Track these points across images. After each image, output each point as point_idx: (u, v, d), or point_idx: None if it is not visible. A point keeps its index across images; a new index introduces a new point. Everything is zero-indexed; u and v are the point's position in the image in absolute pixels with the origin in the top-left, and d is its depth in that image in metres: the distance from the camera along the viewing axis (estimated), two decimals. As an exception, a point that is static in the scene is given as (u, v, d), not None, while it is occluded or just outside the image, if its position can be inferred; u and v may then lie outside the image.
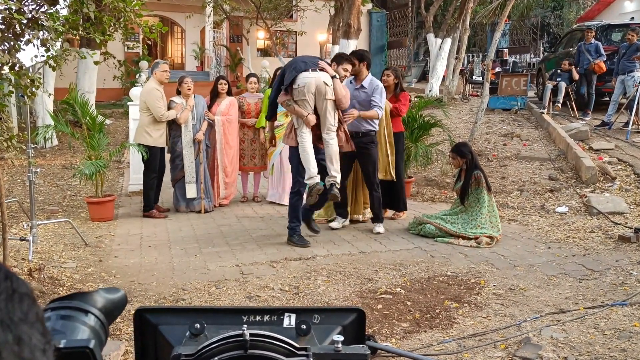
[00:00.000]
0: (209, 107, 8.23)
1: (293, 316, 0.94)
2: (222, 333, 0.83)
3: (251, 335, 0.81)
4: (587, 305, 4.64)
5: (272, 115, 6.84)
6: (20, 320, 0.53)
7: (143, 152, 7.50)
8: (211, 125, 8.14)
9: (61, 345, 0.74)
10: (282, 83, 6.22)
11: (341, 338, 0.84)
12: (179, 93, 7.96)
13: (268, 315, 0.94)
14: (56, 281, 5.20)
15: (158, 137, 7.69)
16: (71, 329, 0.78)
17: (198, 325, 0.89)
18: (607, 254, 6.05)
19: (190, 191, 7.94)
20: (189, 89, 7.85)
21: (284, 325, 0.93)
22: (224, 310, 0.97)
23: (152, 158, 7.69)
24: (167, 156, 8.06)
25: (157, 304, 4.65)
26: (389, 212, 7.77)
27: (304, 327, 0.90)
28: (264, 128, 8.38)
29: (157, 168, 7.83)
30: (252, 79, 8.78)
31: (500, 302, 4.78)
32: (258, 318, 0.94)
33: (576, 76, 12.71)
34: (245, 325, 0.83)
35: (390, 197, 7.53)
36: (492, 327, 4.30)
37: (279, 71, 6.95)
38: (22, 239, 5.92)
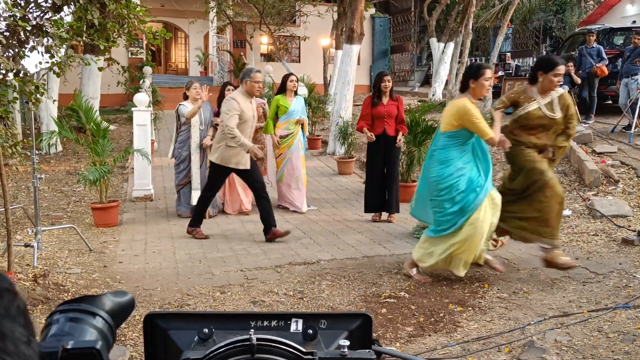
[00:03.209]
0: (217, 114, 8.20)
1: (300, 321, 0.95)
2: (230, 338, 0.84)
3: (258, 340, 0.82)
4: (590, 308, 4.64)
5: None
6: (2, 315, 0.55)
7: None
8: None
9: (69, 347, 0.76)
10: None
11: (347, 343, 0.85)
12: (185, 98, 7.97)
13: (275, 321, 0.96)
14: (61, 287, 5.22)
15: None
16: (79, 331, 0.80)
17: (206, 330, 0.91)
18: (610, 257, 6.04)
19: (196, 198, 7.90)
20: (197, 94, 7.81)
21: (291, 330, 0.94)
22: (232, 315, 0.98)
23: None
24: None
25: (162, 309, 4.67)
26: (384, 215, 7.80)
27: (311, 332, 0.91)
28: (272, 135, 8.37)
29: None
30: None
31: (504, 306, 4.79)
32: (266, 323, 0.95)
33: (577, 80, 12.70)
34: (253, 330, 0.84)
35: (386, 200, 7.60)
36: (496, 330, 4.30)
37: None
38: (26, 245, 5.93)
